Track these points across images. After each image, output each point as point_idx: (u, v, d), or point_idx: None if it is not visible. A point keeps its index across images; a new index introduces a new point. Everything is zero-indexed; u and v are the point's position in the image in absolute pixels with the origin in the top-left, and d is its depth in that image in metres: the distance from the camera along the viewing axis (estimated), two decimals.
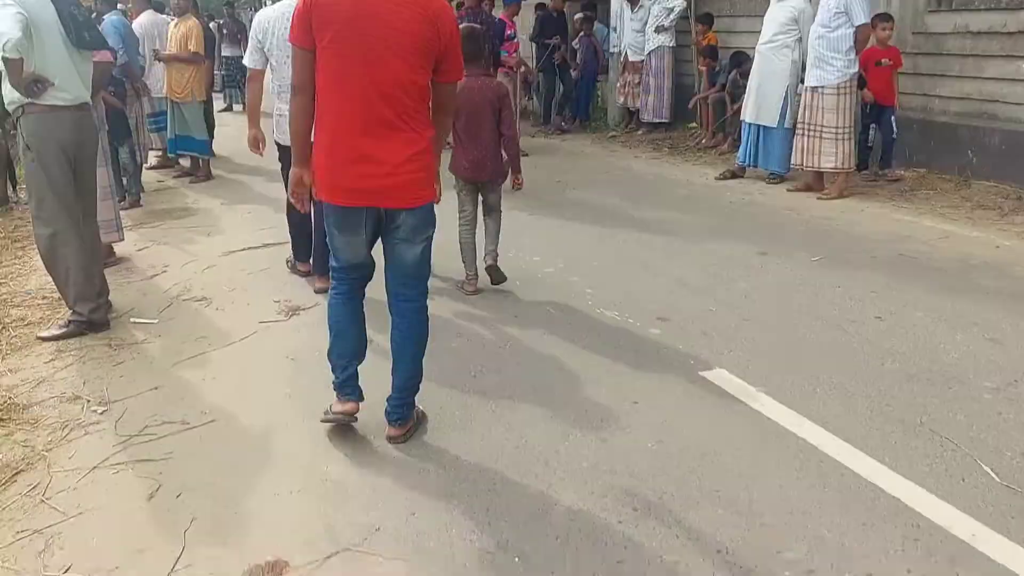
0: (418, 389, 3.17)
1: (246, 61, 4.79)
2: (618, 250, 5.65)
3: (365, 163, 2.78)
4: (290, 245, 5.30)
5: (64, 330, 4.27)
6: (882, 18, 7.19)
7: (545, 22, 10.03)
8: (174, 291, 5.03)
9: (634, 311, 4.44)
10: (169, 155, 8.67)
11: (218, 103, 12.78)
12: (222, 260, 5.66)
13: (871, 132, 7.56)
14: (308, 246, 5.08)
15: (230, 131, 12.08)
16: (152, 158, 8.92)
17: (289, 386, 3.67)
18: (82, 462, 3.03)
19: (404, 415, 3.12)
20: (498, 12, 9.45)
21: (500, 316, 4.45)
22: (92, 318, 4.30)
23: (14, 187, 7.31)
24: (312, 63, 2.77)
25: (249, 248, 5.92)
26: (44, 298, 4.84)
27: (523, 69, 9.71)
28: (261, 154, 5.00)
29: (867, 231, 5.95)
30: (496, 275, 4.84)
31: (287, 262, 5.40)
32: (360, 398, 3.14)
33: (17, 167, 7.14)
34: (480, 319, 4.42)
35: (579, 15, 10.83)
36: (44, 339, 4.22)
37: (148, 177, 8.23)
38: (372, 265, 3.09)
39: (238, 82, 14.80)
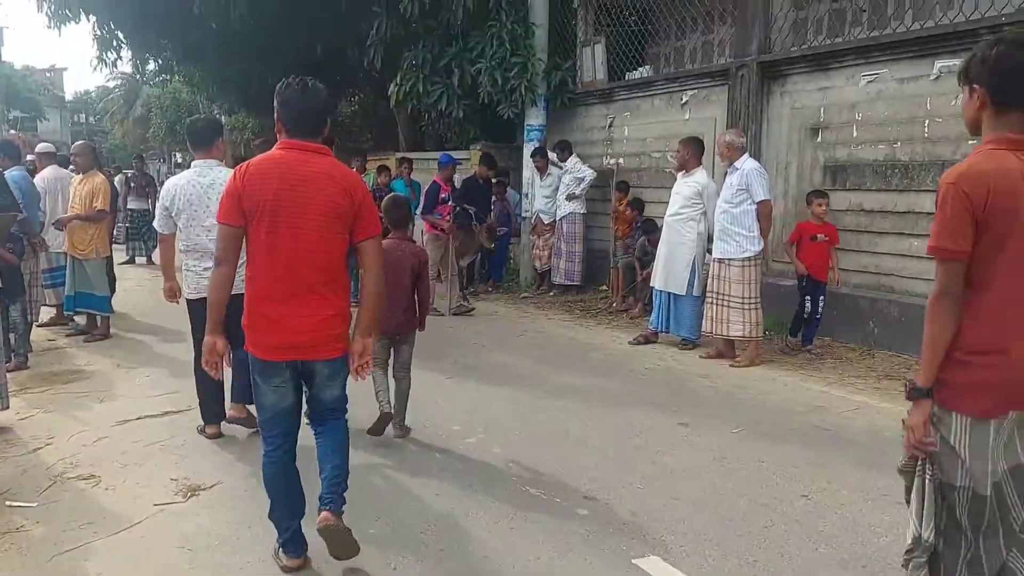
0: (346, 481, 3.41)
1: (156, 225, 5.08)
2: (539, 419, 5.53)
3: (288, 322, 3.11)
4: (198, 407, 5.12)
5: None
6: (817, 195, 7.56)
7: (470, 187, 10.29)
8: (59, 467, 4.59)
9: (559, 489, 4.28)
10: (65, 312, 8.22)
11: (119, 255, 12.42)
12: (115, 430, 5.25)
13: (806, 303, 7.50)
14: (217, 405, 5.09)
15: (131, 284, 11.76)
16: (44, 315, 8.45)
17: None
18: None
19: (338, 503, 3.35)
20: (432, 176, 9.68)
21: (423, 493, 4.20)
22: None
23: None
24: (238, 239, 3.13)
25: (146, 416, 5.52)
26: None
27: (481, 227, 9.98)
28: (177, 303, 5.20)
29: (781, 400, 6.04)
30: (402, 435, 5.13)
31: (198, 429, 5.15)
32: (305, 550, 3.39)
33: None
34: (402, 498, 4.16)
35: (493, 180, 11.16)
36: None
37: (38, 335, 7.76)
38: (298, 415, 3.35)
39: (142, 235, 14.52)
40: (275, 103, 3.19)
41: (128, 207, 14.71)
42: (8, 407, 5.28)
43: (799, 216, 8.06)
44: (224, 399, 5.11)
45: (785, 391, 6.32)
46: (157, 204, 5.06)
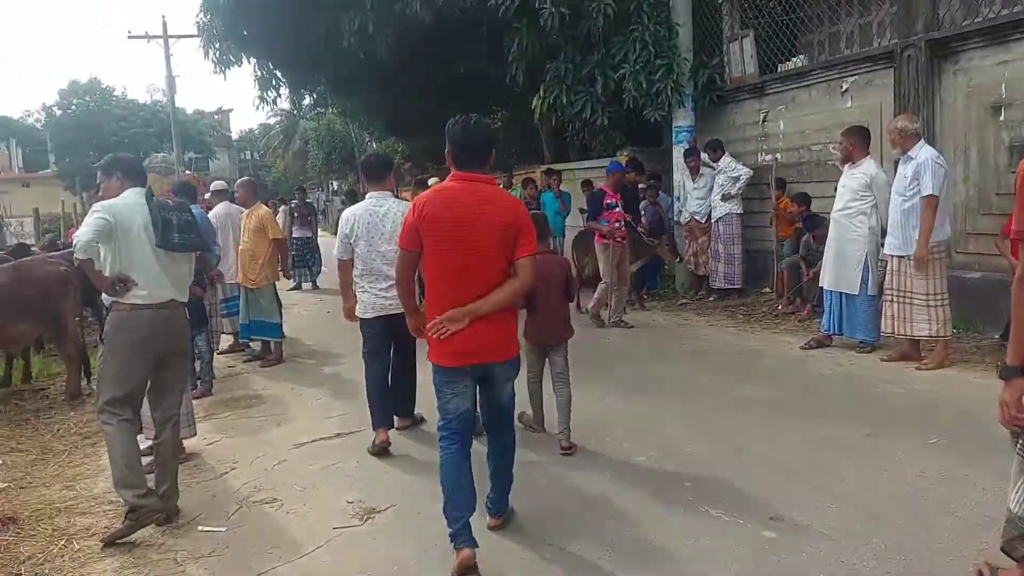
0: (510, 486, 3.95)
1: (336, 252, 5.53)
2: (712, 434, 5.26)
3: (468, 331, 3.49)
4: (369, 425, 5.45)
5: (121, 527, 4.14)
6: None
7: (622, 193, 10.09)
8: (244, 491, 4.76)
9: (742, 509, 4.01)
10: (241, 339, 8.68)
11: (285, 282, 13.02)
12: (292, 454, 5.42)
13: None
14: (386, 409, 5.48)
15: (299, 310, 12.30)
16: (223, 343, 8.96)
17: None
18: None
19: (503, 509, 3.98)
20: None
21: (599, 513, 4.05)
22: (138, 503, 4.09)
23: (88, 380, 7.31)
24: (414, 263, 3.63)
25: (320, 439, 5.68)
26: (111, 502, 4.62)
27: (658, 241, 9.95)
28: (355, 321, 5.58)
29: (979, 406, 5.46)
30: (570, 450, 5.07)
31: (368, 450, 5.33)
32: (475, 544, 3.52)
33: (92, 360, 7.20)
34: (577, 518, 4.02)
35: (643, 184, 10.93)
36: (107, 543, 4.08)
37: (218, 362, 8.20)
38: (474, 418, 3.72)
39: (307, 261, 15.21)
40: (446, 139, 3.58)
41: (293, 236, 15.46)
42: (196, 434, 5.56)
43: (983, 204, 7.35)
44: (391, 409, 5.55)
45: (981, 394, 5.72)
46: (338, 232, 5.51)
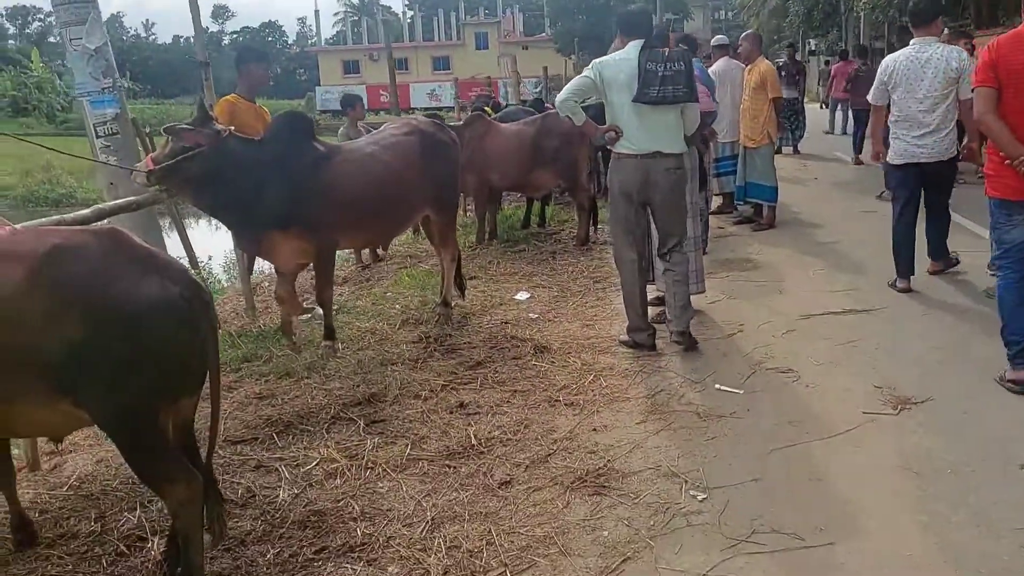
0: None
1: (871, 97, 5.63)
2: None
3: None
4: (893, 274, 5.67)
5: (623, 340, 4.83)
6: None
7: None
8: (755, 356, 4.62)
9: None
10: (736, 202, 8.49)
11: None
12: (800, 324, 5.12)
13: None
14: (912, 258, 5.62)
15: (782, 175, 11.70)
16: (712, 203, 8.85)
17: (919, 511, 2.93)
18: (689, 563, 2.69)
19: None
20: None
21: None
22: (633, 338, 4.75)
23: (595, 228, 7.76)
24: (992, 98, 3.86)
25: (829, 313, 5.28)
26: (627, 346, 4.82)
27: None
28: (879, 163, 6.20)
29: None
30: None
31: (888, 284, 5.71)
32: None
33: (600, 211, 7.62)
34: None
35: None
36: (620, 342, 4.81)
37: (709, 223, 8.13)
38: None
39: (791, 125, 14.36)
40: None
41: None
42: (704, 291, 5.54)
43: None
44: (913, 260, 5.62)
45: None
46: (876, 78, 5.61)
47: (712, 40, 9.28)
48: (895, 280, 5.64)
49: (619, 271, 4.83)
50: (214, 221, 6.71)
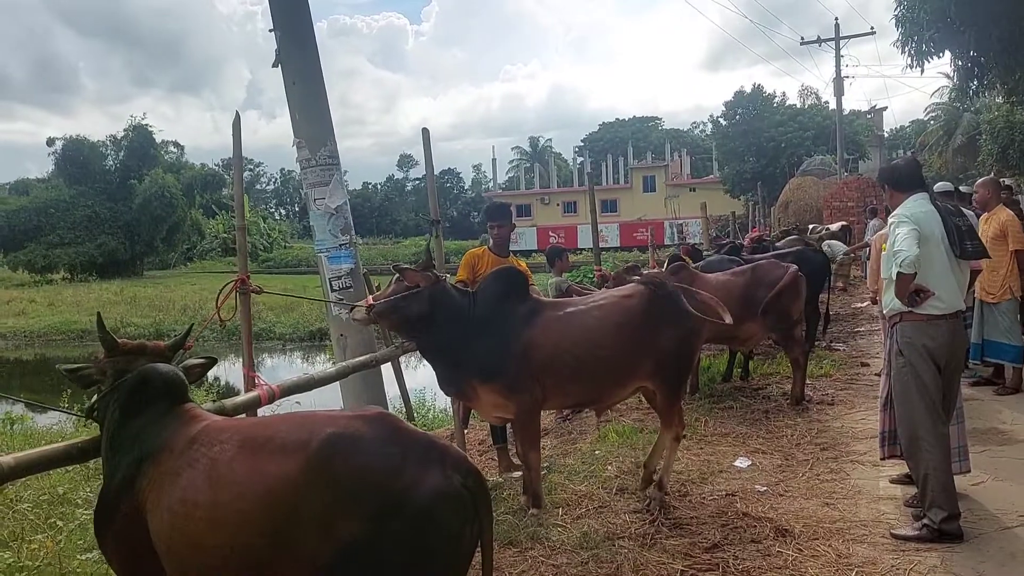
0: None
1: None
2: None
3: None
4: None
5: (916, 533, 4.17)
6: None
7: None
8: None
9: None
10: (972, 362, 7.66)
11: None
12: None
13: None
14: None
15: None
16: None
17: None
18: None
19: None
20: None
21: None
22: (943, 528, 4.11)
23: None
24: None
25: None
26: (883, 534, 4.20)
27: None
28: None
29: None
30: None
31: None
32: None
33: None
34: None
35: None
36: (896, 537, 4.18)
37: None
38: None
39: None
40: None
41: None
42: (969, 470, 4.84)
43: None
44: None
45: None
46: None
47: (936, 187, 8.71)
48: None
49: (916, 449, 4.22)
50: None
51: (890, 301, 4.23)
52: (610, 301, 4.80)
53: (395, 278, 4.53)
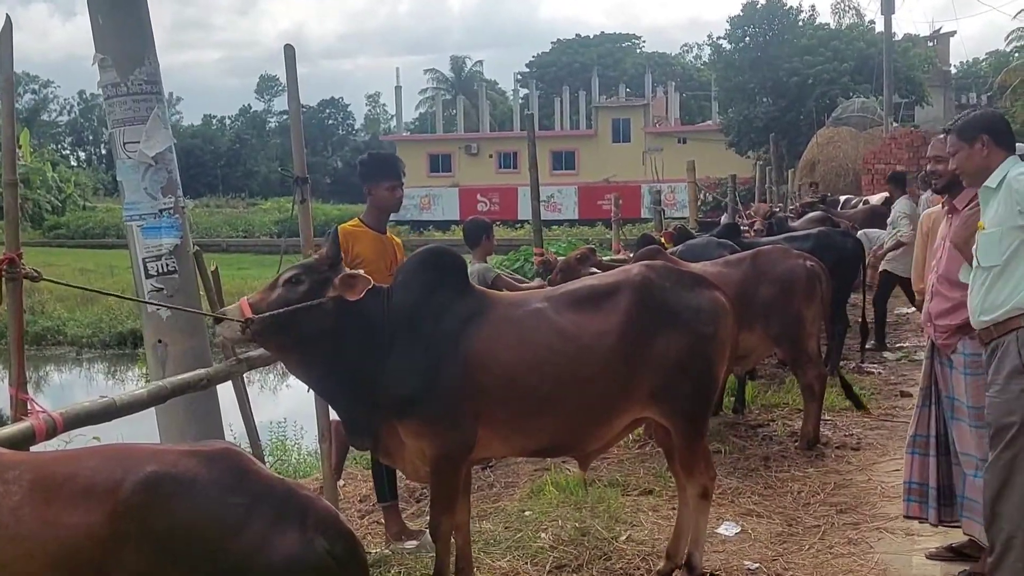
0: None
1: None
2: None
3: None
4: None
5: None
6: None
7: None
8: None
9: None
10: None
11: None
12: None
13: None
14: None
15: None
16: None
17: None
18: None
19: None
20: None
21: None
22: None
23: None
24: None
25: None
26: None
27: None
28: None
29: None
30: None
31: None
32: None
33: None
34: None
35: None
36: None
37: None
38: None
39: None
40: None
41: None
42: None
43: None
44: None
45: None
46: None
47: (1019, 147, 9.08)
48: None
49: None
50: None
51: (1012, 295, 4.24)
52: (588, 294, 4.79)
53: (285, 277, 4.40)
